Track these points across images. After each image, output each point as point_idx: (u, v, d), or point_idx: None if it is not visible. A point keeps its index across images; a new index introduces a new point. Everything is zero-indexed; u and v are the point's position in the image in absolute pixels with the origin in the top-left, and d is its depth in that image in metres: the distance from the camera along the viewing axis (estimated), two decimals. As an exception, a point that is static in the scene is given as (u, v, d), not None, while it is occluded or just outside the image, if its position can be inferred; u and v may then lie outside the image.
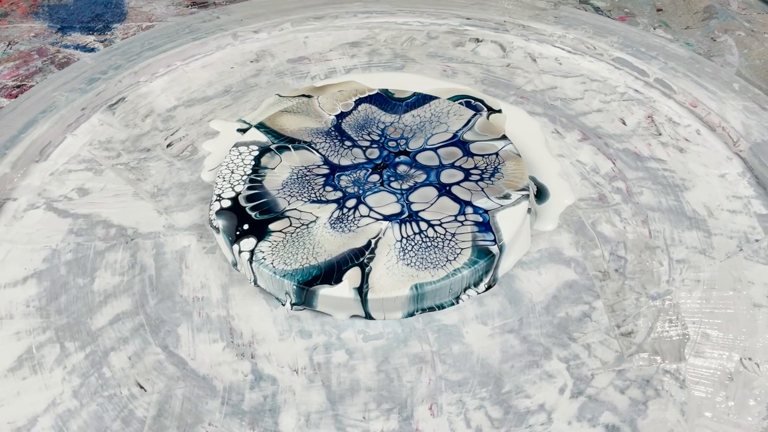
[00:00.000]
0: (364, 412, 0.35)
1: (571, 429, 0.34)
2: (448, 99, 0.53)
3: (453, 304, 0.39)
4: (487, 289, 0.40)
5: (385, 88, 0.53)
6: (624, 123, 0.53)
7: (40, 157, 0.49)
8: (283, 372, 0.37)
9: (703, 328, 0.39)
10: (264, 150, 0.46)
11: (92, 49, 0.63)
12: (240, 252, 0.39)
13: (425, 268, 0.38)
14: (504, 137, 0.47)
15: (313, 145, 0.47)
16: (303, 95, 0.55)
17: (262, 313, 0.40)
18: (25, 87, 0.58)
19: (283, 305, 0.39)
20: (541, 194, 0.46)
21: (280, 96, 0.55)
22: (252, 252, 0.39)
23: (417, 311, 0.39)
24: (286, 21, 0.63)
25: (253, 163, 0.45)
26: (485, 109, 0.53)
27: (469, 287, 0.40)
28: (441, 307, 0.39)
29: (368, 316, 0.39)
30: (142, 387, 0.36)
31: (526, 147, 0.49)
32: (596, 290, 0.41)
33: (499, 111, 0.53)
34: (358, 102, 0.51)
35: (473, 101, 0.54)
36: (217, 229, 0.41)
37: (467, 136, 0.48)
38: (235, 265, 0.41)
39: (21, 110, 0.52)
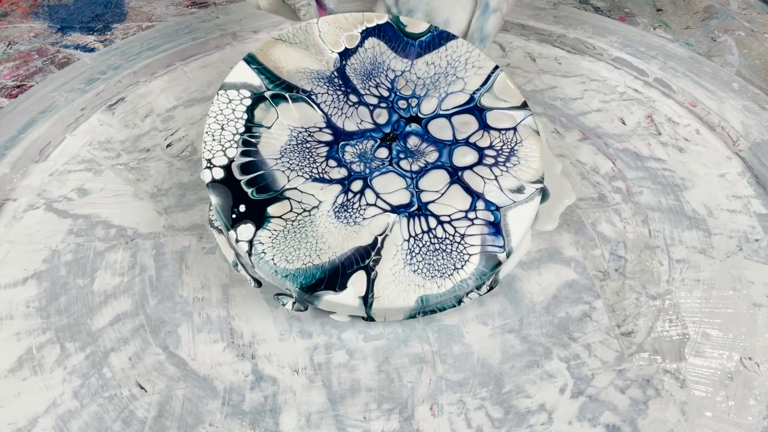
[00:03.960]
0: (364, 413, 0.35)
1: (572, 429, 0.34)
2: None
3: (454, 306, 0.39)
4: (488, 290, 0.40)
5: (396, 16, 0.46)
6: (624, 123, 0.53)
7: (39, 157, 0.49)
8: (284, 372, 0.37)
9: (703, 328, 0.39)
10: (257, 98, 0.41)
11: (92, 49, 0.63)
12: (237, 241, 0.37)
13: (432, 277, 0.37)
14: (525, 105, 0.43)
15: (313, 98, 0.42)
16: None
17: (262, 314, 0.40)
18: (25, 87, 0.58)
19: (284, 305, 0.39)
20: (541, 194, 0.46)
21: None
22: (251, 243, 0.37)
23: (419, 314, 0.39)
24: (285, 21, 0.63)
25: (245, 116, 0.40)
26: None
27: (471, 291, 0.39)
28: (442, 309, 0.39)
29: (369, 319, 0.38)
30: (142, 387, 0.36)
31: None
32: (596, 290, 0.41)
33: (499, 111, 0.53)
34: (365, 35, 0.44)
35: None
36: (218, 230, 0.41)
37: (485, 101, 0.43)
38: (235, 265, 0.41)
39: (21, 110, 0.52)
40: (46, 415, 0.35)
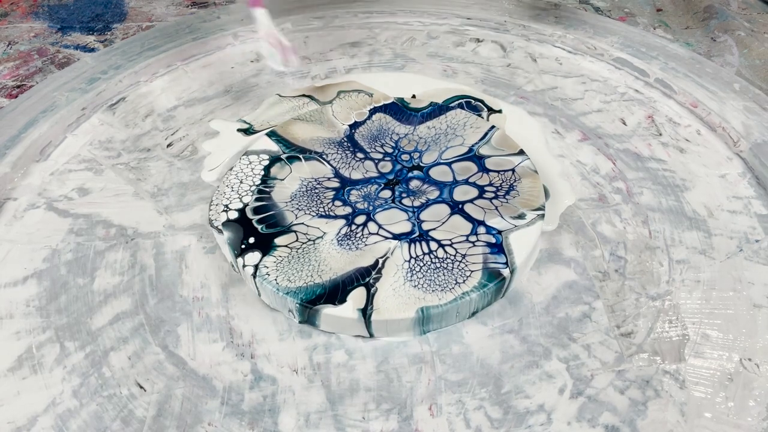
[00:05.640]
0: (363, 413, 0.35)
1: (571, 429, 0.34)
2: (449, 98, 0.53)
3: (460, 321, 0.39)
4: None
5: (401, 97, 0.52)
6: (624, 123, 0.53)
7: (40, 156, 0.49)
8: (283, 372, 0.37)
9: (702, 329, 0.39)
10: (274, 159, 0.46)
11: (92, 49, 0.63)
12: (244, 266, 0.39)
13: (433, 291, 0.37)
14: (521, 152, 0.46)
15: (324, 156, 0.46)
16: (303, 95, 0.55)
17: (261, 313, 0.40)
18: (25, 87, 0.58)
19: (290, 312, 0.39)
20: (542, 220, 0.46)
21: (280, 96, 0.55)
22: (256, 267, 0.38)
23: (423, 333, 0.38)
24: (286, 21, 0.63)
25: (262, 173, 0.45)
26: (486, 109, 0.53)
27: (477, 311, 0.39)
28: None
29: (372, 336, 0.38)
30: (141, 387, 0.36)
31: (526, 147, 0.49)
32: (596, 290, 0.41)
33: (500, 111, 0.53)
34: (373, 111, 0.51)
35: (473, 101, 0.54)
36: (219, 230, 0.41)
37: (483, 151, 0.46)
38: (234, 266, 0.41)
39: (21, 110, 0.52)
40: (46, 413, 0.35)
